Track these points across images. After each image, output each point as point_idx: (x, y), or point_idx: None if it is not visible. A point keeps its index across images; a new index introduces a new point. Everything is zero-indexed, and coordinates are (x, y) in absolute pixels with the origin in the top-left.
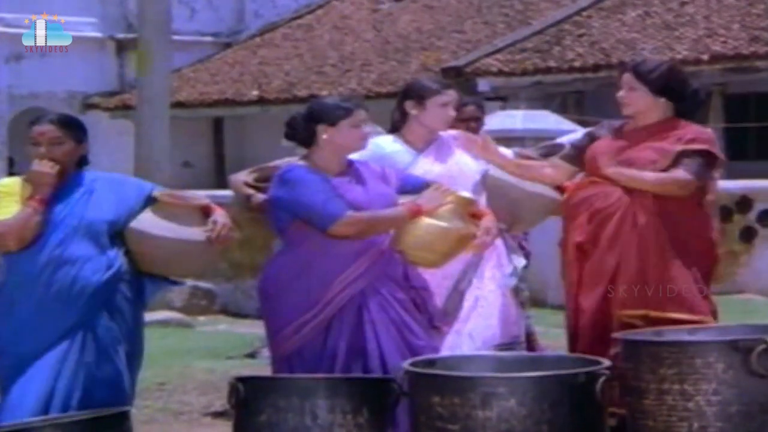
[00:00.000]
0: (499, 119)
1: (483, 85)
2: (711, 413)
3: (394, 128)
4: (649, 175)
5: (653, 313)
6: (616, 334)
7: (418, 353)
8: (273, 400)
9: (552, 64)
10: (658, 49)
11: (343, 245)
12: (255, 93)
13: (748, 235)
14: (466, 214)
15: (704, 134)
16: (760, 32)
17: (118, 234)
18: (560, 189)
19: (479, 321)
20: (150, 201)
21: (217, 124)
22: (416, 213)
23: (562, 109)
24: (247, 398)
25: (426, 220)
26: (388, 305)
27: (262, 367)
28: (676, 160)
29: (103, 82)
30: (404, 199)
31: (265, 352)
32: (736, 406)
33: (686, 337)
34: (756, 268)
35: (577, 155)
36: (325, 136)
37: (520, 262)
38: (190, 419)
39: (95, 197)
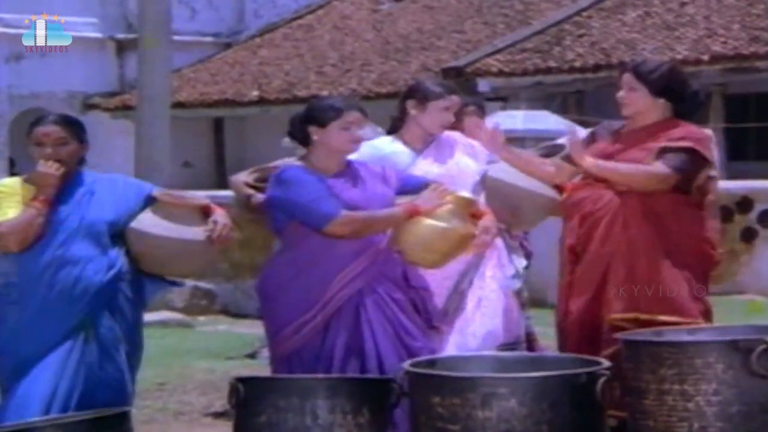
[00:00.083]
0: (499, 120)
1: (483, 85)
2: (711, 413)
3: (393, 128)
4: (623, 166)
5: (642, 316)
6: (617, 335)
7: (414, 354)
8: (273, 401)
9: (552, 64)
10: (659, 50)
11: (341, 245)
12: (255, 93)
13: (748, 236)
14: (466, 214)
15: (696, 133)
16: (760, 32)
17: (118, 234)
18: (559, 188)
19: (484, 321)
20: (149, 201)
21: (218, 125)
22: (413, 213)
23: (562, 110)
24: (247, 398)
25: (425, 221)
26: (384, 305)
27: (262, 368)
28: (658, 156)
29: (104, 82)
30: (404, 200)
31: (265, 353)
32: (736, 406)
33: (686, 337)
34: (756, 269)
35: None
36: (315, 138)
37: (521, 263)
38: (190, 419)
39: (96, 198)
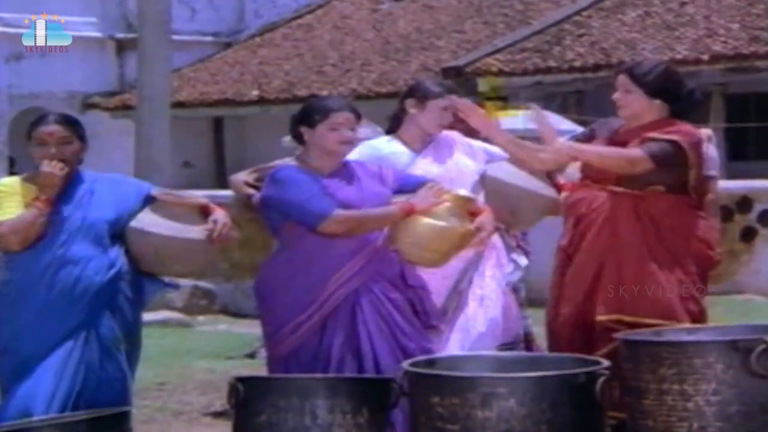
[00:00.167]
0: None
1: (483, 85)
2: (711, 413)
3: (391, 128)
4: (596, 148)
5: (626, 318)
6: (616, 335)
7: (409, 354)
8: (273, 400)
9: (552, 64)
10: (658, 49)
11: (337, 245)
12: (255, 93)
13: (748, 235)
14: (465, 213)
15: (686, 130)
16: (760, 32)
17: (118, 234)
18: (558, 188)
19: (487, 318)
20: (149, 200)
21: (218, 124)
22: (409, 212)
23: (562, 109)
24: (246, 398)
25: (423, 219)
26: (380, 305)
27: (262, 367)
28: (641, 143)
29: (103, 82)
30: (401, 199)
31: (265, 352)
32: (735, 406)
33: (686, 337)
34: (756, 269)
35: None
36: (306, 138)
37: (523, 260)
38: (190, 419)
39: (96, 198)
